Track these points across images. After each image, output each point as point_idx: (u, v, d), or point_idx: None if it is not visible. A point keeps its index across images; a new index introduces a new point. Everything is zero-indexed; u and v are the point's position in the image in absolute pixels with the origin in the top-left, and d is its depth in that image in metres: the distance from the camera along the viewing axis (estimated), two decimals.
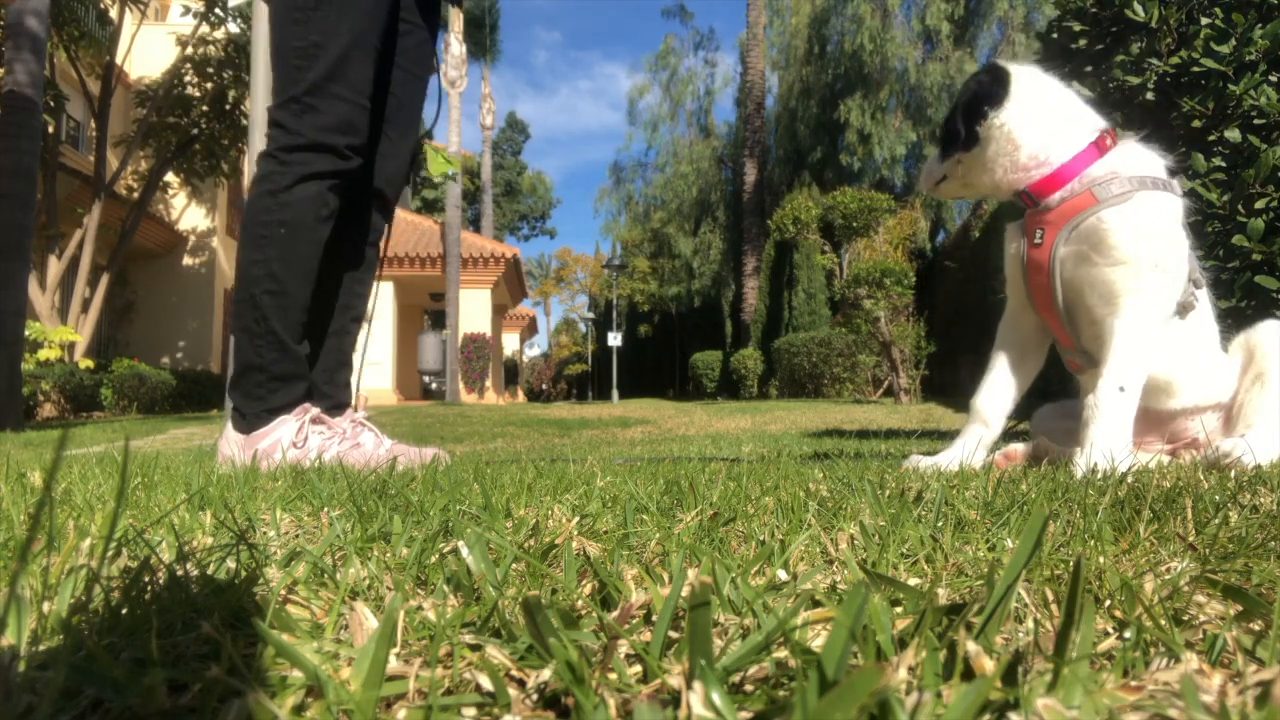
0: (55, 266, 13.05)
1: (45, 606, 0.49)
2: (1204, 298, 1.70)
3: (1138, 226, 1.55)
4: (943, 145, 1.82)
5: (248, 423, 1.89)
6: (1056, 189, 1.66)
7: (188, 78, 14.55)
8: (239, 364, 1.90)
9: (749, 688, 0.41)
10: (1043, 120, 1.67)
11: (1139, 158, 1.63)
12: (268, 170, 1.86)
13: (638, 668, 0.43)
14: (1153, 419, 1.73)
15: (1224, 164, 2.76)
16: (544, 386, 47.19)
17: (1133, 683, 0.40)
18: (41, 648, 0.44)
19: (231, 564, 0.63)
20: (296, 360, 1.91)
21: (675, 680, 0.38)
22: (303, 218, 1.86)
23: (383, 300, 18.45)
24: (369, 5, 1.87)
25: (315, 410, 1.94)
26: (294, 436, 1.88)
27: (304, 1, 1.82)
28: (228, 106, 14.66)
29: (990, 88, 1.68)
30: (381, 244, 2.17)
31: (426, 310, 22.19)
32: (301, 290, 1.90)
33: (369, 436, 1.99)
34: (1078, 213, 1.61)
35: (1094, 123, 1.69)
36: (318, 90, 1.83)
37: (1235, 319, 2.69)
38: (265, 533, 0.80)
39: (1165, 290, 1.56)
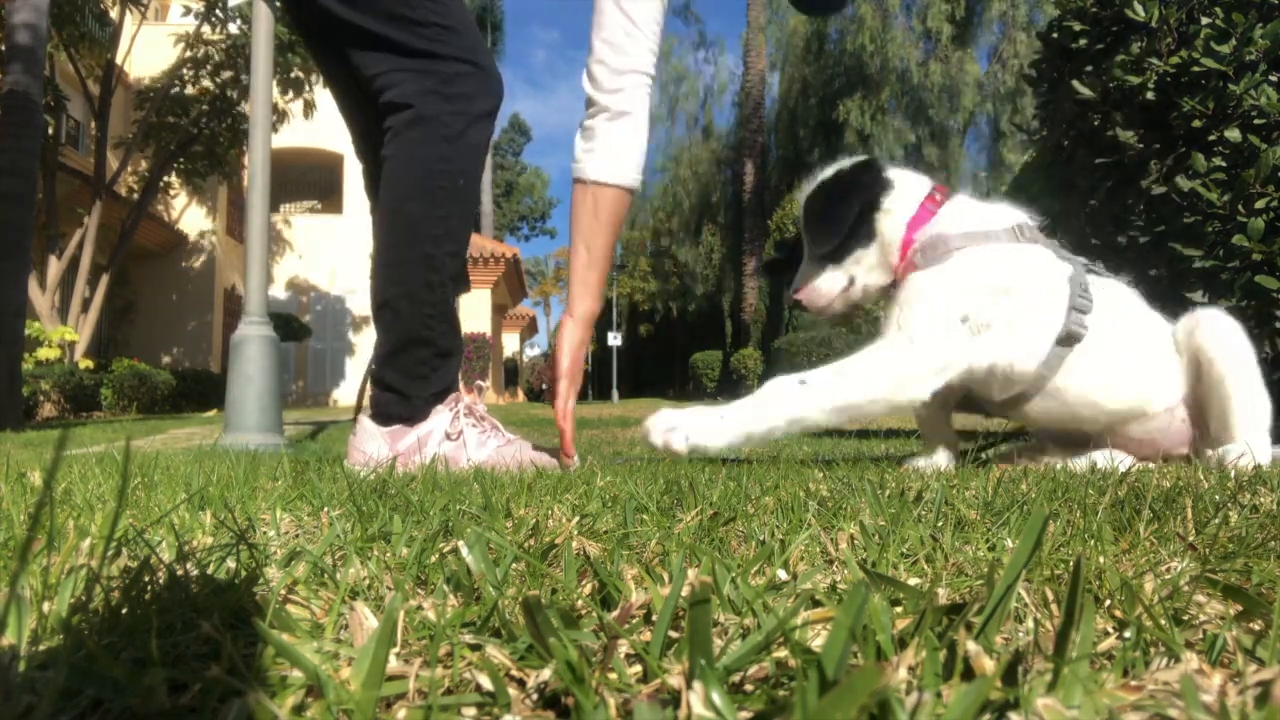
0: (55, 266, 13.04)
1: (45, 606, 0.49)
2: (1120, 312, 1.71)
3: (939, 287, 1.60)
4: (831, 254, 1.76)
5: (413, 407, 1.62)
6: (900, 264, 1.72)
7: (188, 78, 14.55)
8: (397, 336, 1.60)
9: (749, 687, 0.41)
10: (907, 199, 1.72)
11: (962, 215, 1.68)
12: (434, 110, 1.57)
13: (638, 667, 0.43)
14: (1086, 433, 1.77)
15: (1224, 164, 2.76)
16: (544, 386, 47.18)
17: (1133, 683, 0.40)
18: (41, 648, 0.44)
19: (231, 564, 0.63)
20: (459, 334, 1.69)
21: (675, 680, 0.38)
22: (476, 165, 1.63)
23: None
24: None
25: (468, 398, 1.70)
26: (448, 428, 1.64)
27: None
28: (228, 106, 14.65)
29: (876, 177, 1.72)
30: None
31: None
32: (466, 253, 1.66)
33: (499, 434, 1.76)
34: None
35: (923, 185, 1.75)
36: (437, 4, 1.56)
37: (1235, 319, 2.68)
38: (265, 533, 0.80)
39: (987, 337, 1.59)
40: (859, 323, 14.15)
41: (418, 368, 1.62)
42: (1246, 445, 1.56)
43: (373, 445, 1.63)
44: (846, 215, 1.70)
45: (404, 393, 1.63)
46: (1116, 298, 1.74)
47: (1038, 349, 1.62)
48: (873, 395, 1.53)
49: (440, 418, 1.65)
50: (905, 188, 1.73)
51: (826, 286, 1.77)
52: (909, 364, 1.55)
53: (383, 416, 1.65)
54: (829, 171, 1.80)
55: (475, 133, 1.62)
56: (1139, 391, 1.70)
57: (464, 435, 1.66)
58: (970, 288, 1.59)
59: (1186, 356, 1.70)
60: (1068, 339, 1.61)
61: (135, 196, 14.93)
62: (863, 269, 1.75)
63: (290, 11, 1.70)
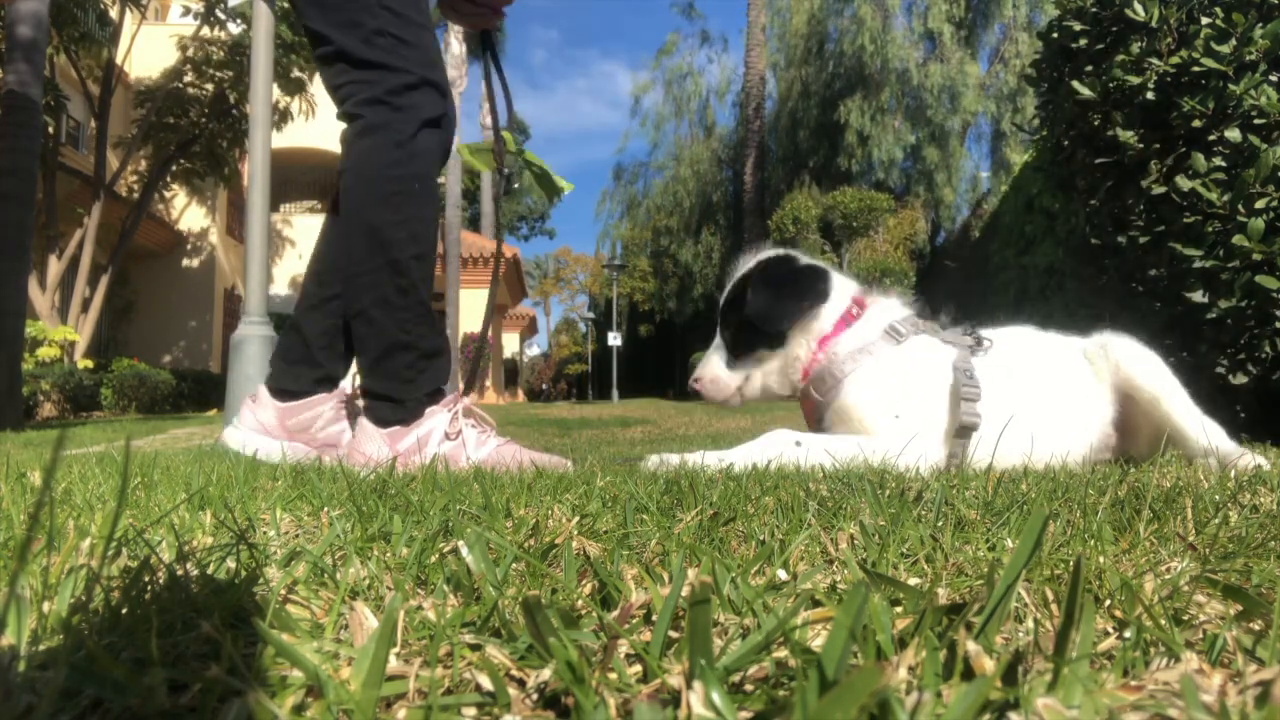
0: (55, 266, 13.05)
1: (45, 606, 0.49)
2: (1026, 379, 1.72)
3: (862, 398, 1.66)
4: (733, 346, 1.77)
5: (408, 410, 1.64)
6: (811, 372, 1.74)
7: (188, 78, 14.55)
8: (379, 345, 1.63)
9: (749, 687, 0.41)
10: (830, 315, 1.73)
11: (879, 321, 1.72)
12: (383, 119, 1.60)
13: (638, 667, 0.43)
14: None
15: (1224, 164, 2.76)
16: (544, 386, 47.18)
17: (1133, 683, 0.40)
18: (41, 648, 0.44)
19: (231, 564, 0.63)
20: (442, 333, 1.69)
21: (675, 680, 0.38)
22: (428, 168, 1.64)
23: None
24: None
25: (465, 400, 1.72)
26: (447, 428, 1.66)
27: None
28: (228, 106, 14.65)
29: (818, 288, 1.71)
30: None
31: None
32: (435, 254, 1.69)
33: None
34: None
35: (846, 297, 1.75)
36: (398, 17, 1.59)
37: (1236, 319, 2.69)
38: (265, 533, 0.80)
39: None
40: None
41: (404, 372, 1.64)
42: (1245, 451, 1.60)
43: (372, 446, 1.63)
44: (778, 319, 1.70)
45: (395, 398, 1.64)
46: (1018, 361, 1.76)
47: (937, 443, 1.65)
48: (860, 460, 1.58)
49: (439, 418, 1.66)
50: (834, 302, 1.73)
51: (727, 379, 1.80)
52: (895, 446, 1.59)
53: (380, 421, 1.66)
54: (756, 262, 1.79)
55: (426, 137, 1.64)
56: (1059, 448, 1.71)
57: (463, 435, 1.67)
58: (873, 401, 1.66)
59: (1111, 383, 1.75)
60: (964, 430, 1.63)
61: (135, 196, 14.93)
62: (762, 372, 1.78)
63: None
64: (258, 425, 1.79)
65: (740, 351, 1.77)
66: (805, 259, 1.79)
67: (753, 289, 1.72)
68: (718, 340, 1.81)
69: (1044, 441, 1.66)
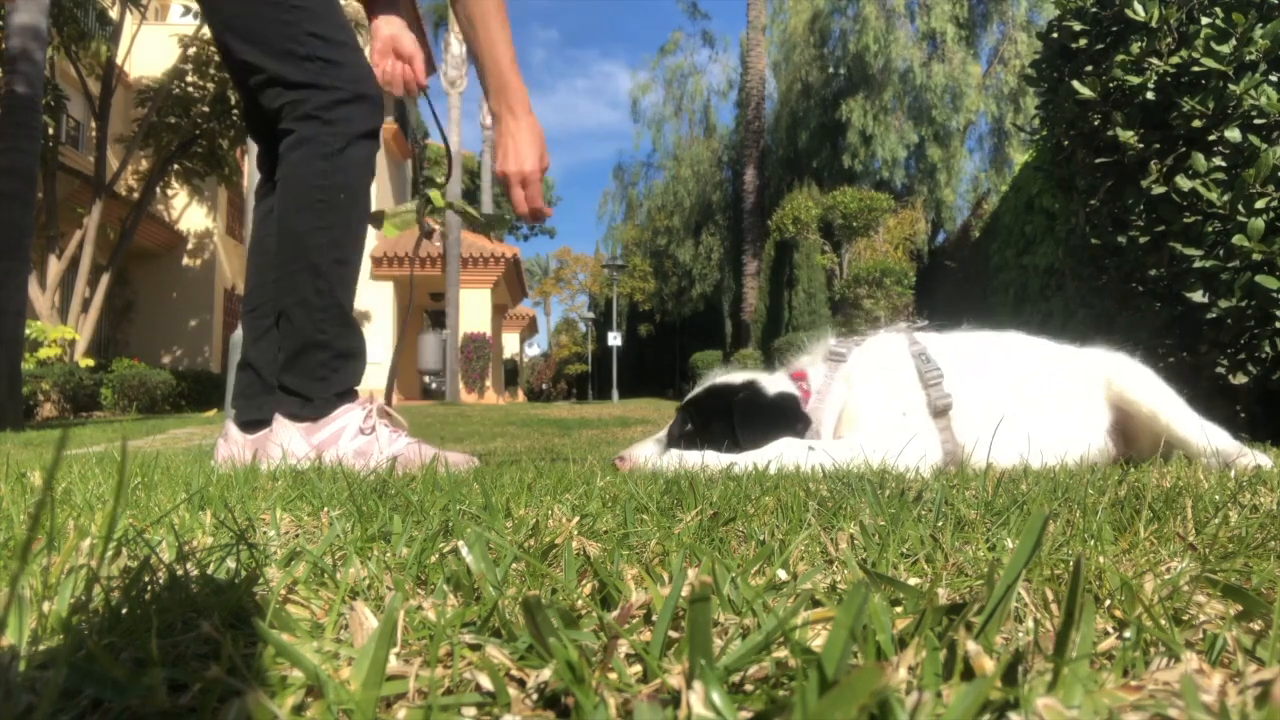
0: (55, 266, 13.05)
1: (45, 606, 0.50)
2: (1020, 398, 1.75)
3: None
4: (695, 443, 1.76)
5: (316, 408, 1.72)
6: None
7: (188, 78, 14.55)
8: (296, 342, 1.72)
9: (749, 687, 0.41)
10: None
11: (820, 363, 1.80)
12: (312, 132, 1.71)
13: (638, 667, 0.43)
14: None
15: (1224, 164, 2.76)
16: (544, 386, 47.18)
17: (1133, 683, 0.40)
18: (41, 648, 0.44)
19: (231, 564, 0.63)
20: (359, 336, 1.79)
21: (675, 680, 0.38)
22: (358, 179, 1.75)
23: (382, 300, 18.46)
24: None
25: (380, 401, 1.81)
26: (361, 424, 1.74)
27: None
28: (229, 106, 14.66)
29: (795, 410, 1.74)
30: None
31: (426, 310, 22.21)
32: (358, 261, 1.79)
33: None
34: None
35: (790, 384, 1.79)
36: (329, 42, 1.71)
37: (1236, 319, 2.69)
38: (265, 533, 0.80)
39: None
40: (859, 322, 14.16)
41: (317, 369, 1.73)
42: (1245, 450, 1.63)
43: (287, 438, 1.72)
44: (755, 442, 1.69)
45: (305, 395, 1.73)
46: (1002, 364, 1.80)
47: (928, 429, 1.69)
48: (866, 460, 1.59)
49: (353, 414, 1.75)
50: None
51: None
52: (898, 442, 1.61)
53: (291, 416, 1.74)
54: (744, 385, 1.77)
55: (356, 150, 1.75)
56: (1062, 451, 1.73)
57: (377, 431, 1.76)
58: (863, 407, 1.70)
59: (1108, 397, 1.79)
60: (940, 412, 1.67)
61: (135, 196, 14.93)
62: None
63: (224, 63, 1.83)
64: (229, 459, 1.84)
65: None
66: (770, 388, 1.78)
67: (740, 428, 1.72)
68: (679, 434, 1.79)
69: (1040, 445, 1.67)
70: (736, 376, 1.82)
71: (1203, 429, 1.67)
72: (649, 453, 1.78)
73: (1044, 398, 1.77)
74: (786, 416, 1.74)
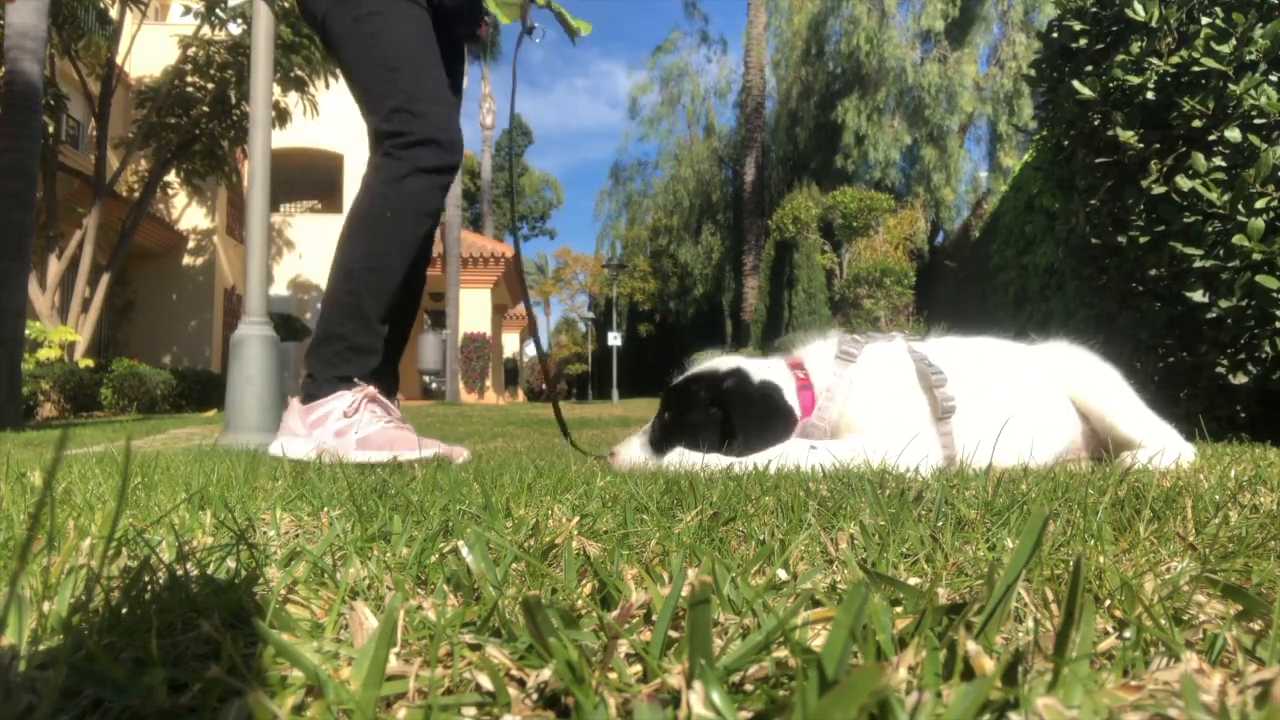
0: (55, 266, 13.04)
1: (45, 606, 0.49)
2: (1005, 403, 1.75)
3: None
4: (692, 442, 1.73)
5: (316, 386, 1.94)
6: None
7: (188, 78, 14.54)
8: (320, 331, 1.98)
9: (749, 687, 0.41)
10: (793, 402, 1.77)
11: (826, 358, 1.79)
12: (385, 164, 1.98)
13: (638, 667, 0.43)
14: None
15: (1224, 164, 2.75)
16: (544, 386, 47.15)
17: (1133, 682, 0.40)
18: (41, 648, 0.44)
19: (231, 564, 0.63)
20: (375, 335, 1.98)
21: (675, 680, 0.38)
22: (410, 205, 1.98)
23: None
24: (417, 13, 2.03)
25: (373, 389, 1.98)
26: (346, 407, 1.91)
27: (369, 27, 1.99)
28: (229, 106, 14.65)
29: (788, 417, 1.72)
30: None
31: (426, 310, 22.22)
32: (396, 274, 1.99)
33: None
34: None
35: (789, 373, 1.78)
36: (414, 99, 1.98)
37: (1236, 319, 2.69)
38: (265, 533, 0.80)
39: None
40: (859, 322, 14.16)
41: (331, 357, 1.96)
42: (1162, 442, 1.66)
43: (293, 419, 1.95)
44: (771, 440, 1.67)
45: (313, 375, 1.96)
46: (977, 368, 1.80)
47: (929, 432, 1.68)
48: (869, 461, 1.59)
49: (341, 400, 1.92)
50: (790, 398, 1.75)
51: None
52: (898, 445, 1.61)
53: (305, 396, 1.98)
54: (737, 374, 1.75)
55: (415, 181, 1.98)
56: (1045, 451, 1.74)
57: (359, 413, 1.91)
58: (862, 413, 1.70)
59: (1070, 396, 1.80)
60: (944, 414, 1.67)
61: (135, 196, 14.92)
62: None
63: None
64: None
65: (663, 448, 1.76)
66: (757, 374, 1.75)
67: (739, 425, 1.70)
68: (662, 431, 1.78)
69: (1027, 446, 1.68)
70: (724, 363, 1.80)
71: (1146, 425, 1.71)
72: (635, 448, 1.81)
73: (1022, 399, 1.77)
74: (770, 407, 1.72)
